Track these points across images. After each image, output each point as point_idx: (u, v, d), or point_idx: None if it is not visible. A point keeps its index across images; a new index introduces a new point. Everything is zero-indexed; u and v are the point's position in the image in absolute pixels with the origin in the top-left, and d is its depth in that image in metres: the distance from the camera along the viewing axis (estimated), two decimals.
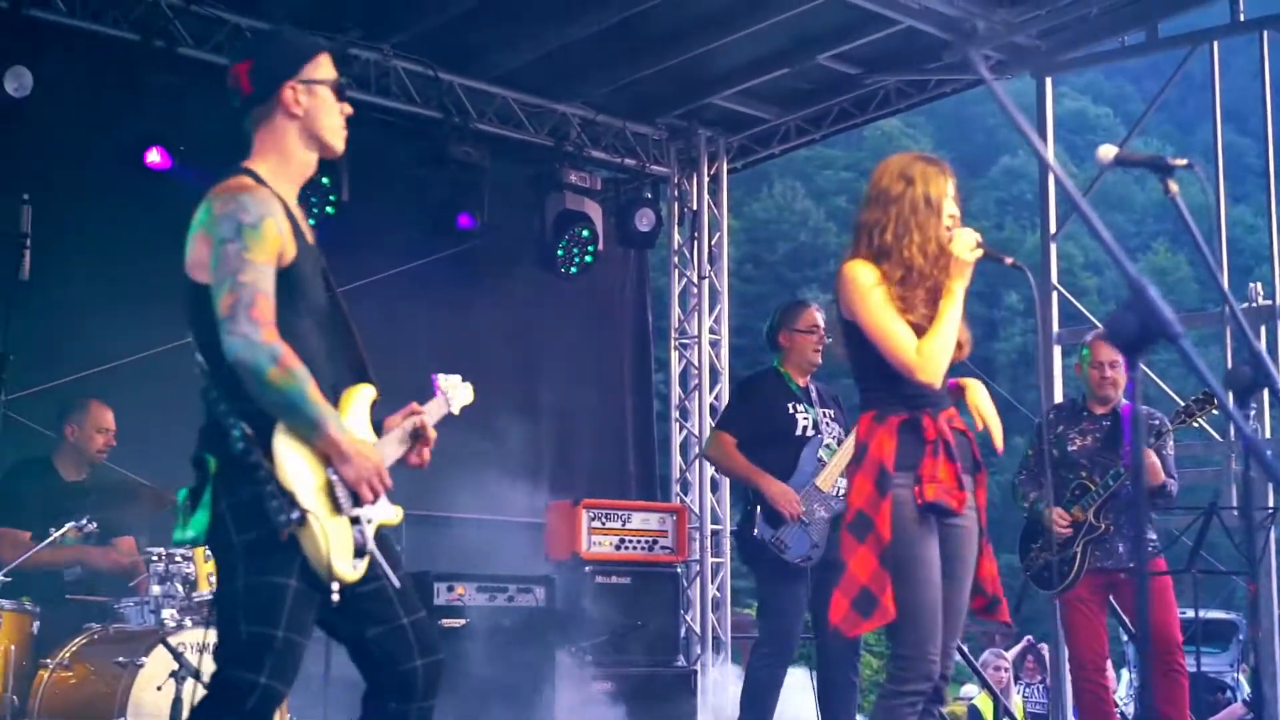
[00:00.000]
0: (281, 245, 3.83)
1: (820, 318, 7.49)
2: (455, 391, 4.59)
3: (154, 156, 8.52)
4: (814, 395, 7.55)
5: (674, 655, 9.25)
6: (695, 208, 11.67)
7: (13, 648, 6.40)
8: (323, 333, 4.05)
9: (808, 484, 7.27)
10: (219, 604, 3.88)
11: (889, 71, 10.65)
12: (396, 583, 3.98)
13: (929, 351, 4.78)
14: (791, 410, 7.43)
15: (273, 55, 4.12)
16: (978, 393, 5.15)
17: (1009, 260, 5.02)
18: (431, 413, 4.39)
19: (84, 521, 6.81)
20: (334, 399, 3.99)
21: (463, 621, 8.07)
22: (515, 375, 11.01)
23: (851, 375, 5.07)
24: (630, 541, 9.09)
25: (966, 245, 4.83)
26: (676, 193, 11.77)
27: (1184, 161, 3.79)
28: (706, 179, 11.69)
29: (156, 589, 6.63)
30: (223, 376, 3.77)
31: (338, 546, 3.79)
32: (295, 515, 3.69)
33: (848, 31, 9.98)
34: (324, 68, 4.13)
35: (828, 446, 7.37)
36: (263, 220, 3.79)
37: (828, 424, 7.47)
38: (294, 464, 3.76)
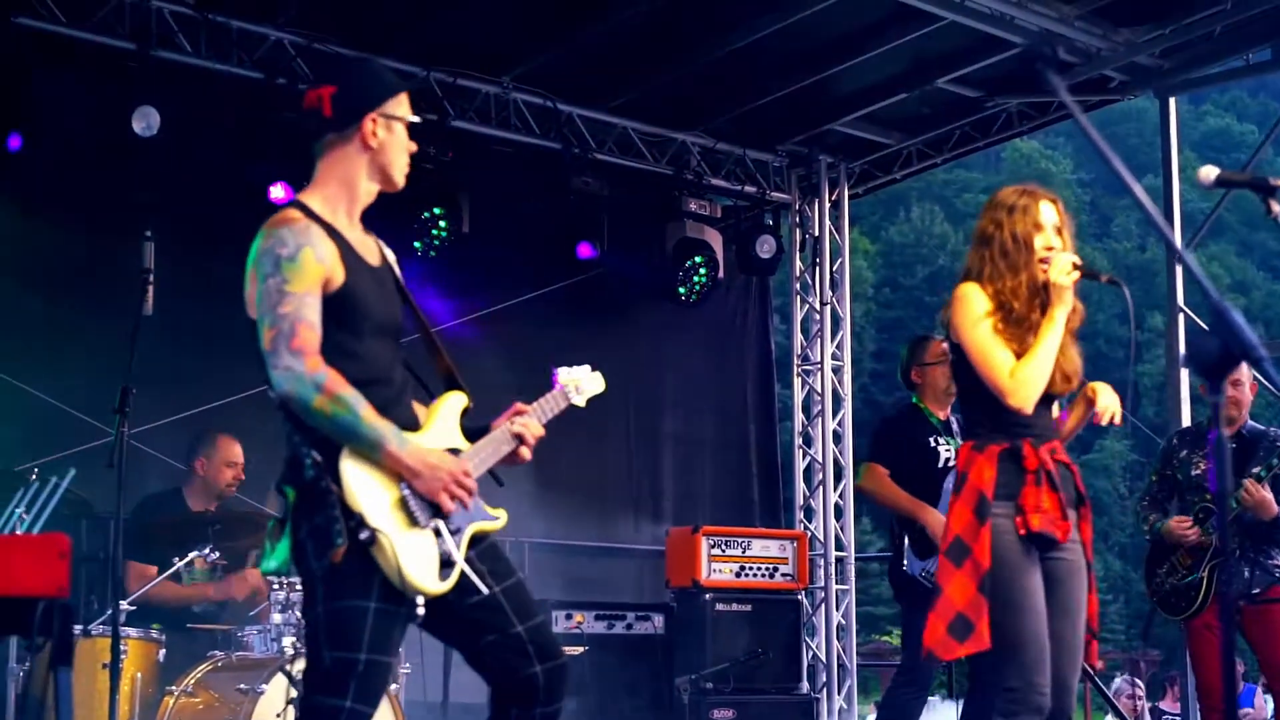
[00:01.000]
0: (325, 272, 3.84)
1: (946, 347, 7.42)
2: (583, 383, 4.51)
3: (278, 192, 8.64)
4: (954, 428, 7.48)
5: (795, 683, 9.21)
6: (816, 234, 11.63)
7: (139, 675, 6.52)
8: (395, 348, 4.07)
9: None
10: (306, 630, 3.92)
11: (1010, 94, 10.55)
12: (485, 590, 3.95)
13: (1022, 375, 4.73)
14: (933, 443, 7.35)
15: (358, 85, 4.08)
16: (1104, 393, 5.12)
17: (1104, 277, 5.00)
18: (543, 410, 4.34)
19: (208, 551, 6.93)
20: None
21: (581, 649, 8.10)
22: (637, 403, 11.07)
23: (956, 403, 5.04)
24: (750, 569, 9.07)
25: (1063, 269, 4.77)
26: (798, 219, 11.72)
27: None
28: (828, 205, 11.63)
29: (278, 617, 6.73)
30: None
31: (414, 560, 3.80)
32: (365, 535, 3.71)
33: (967, 55, 9.91)
34: (403, 105, 4.10)
35: None
36: (300, 250, 3.80)
37: None
38: (362, 484, 3.77)
